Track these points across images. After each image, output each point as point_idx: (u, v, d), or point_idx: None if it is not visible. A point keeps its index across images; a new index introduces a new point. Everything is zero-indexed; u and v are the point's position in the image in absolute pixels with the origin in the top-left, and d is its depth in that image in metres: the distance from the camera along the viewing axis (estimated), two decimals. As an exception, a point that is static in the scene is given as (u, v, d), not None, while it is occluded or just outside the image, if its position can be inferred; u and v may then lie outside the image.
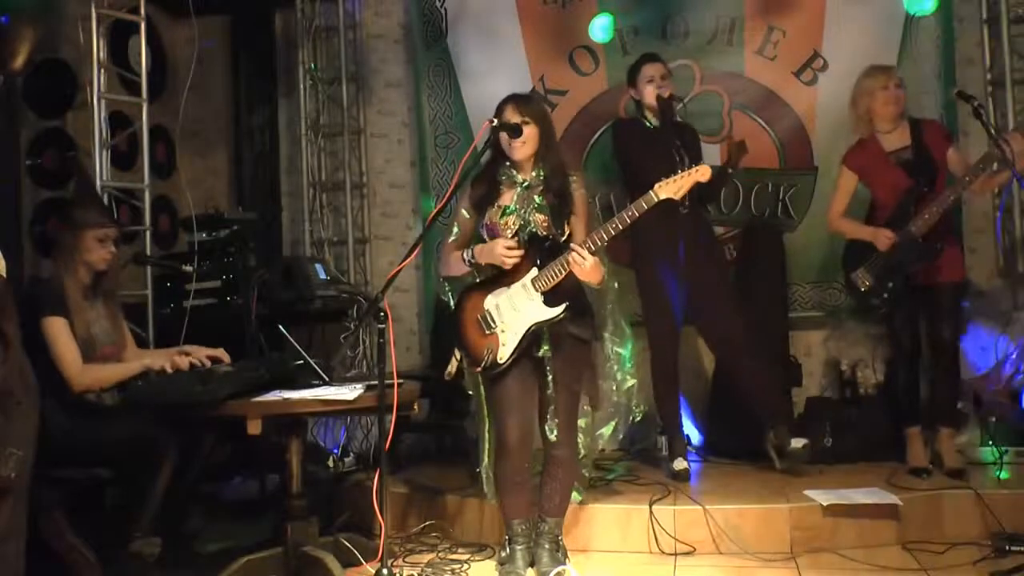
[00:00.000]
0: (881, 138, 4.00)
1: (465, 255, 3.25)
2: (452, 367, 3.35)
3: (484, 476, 3.58)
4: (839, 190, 4.13)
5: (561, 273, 3.10)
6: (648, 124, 4.17)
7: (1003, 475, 3.84)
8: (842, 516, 3.53)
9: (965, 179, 3.69)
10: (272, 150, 5.79)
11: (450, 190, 3.19)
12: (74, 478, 3.30)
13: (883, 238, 3.90)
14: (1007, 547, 3.31)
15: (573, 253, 3.03)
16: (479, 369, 3.26)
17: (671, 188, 3.04)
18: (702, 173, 3.05)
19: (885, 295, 3.94)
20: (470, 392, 3.53)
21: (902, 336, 4.01)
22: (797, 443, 4.02)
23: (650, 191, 3.05)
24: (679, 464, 4.13)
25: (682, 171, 3.05)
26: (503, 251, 3.15)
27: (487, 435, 3.52)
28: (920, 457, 4.00)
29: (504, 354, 3.17)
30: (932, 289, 3.90)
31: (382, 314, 2.92)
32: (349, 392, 3.10)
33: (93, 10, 4.44)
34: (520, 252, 3.15)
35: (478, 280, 3.32)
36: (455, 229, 3.36)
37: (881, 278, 3.93)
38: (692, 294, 4.10)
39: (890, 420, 4.22)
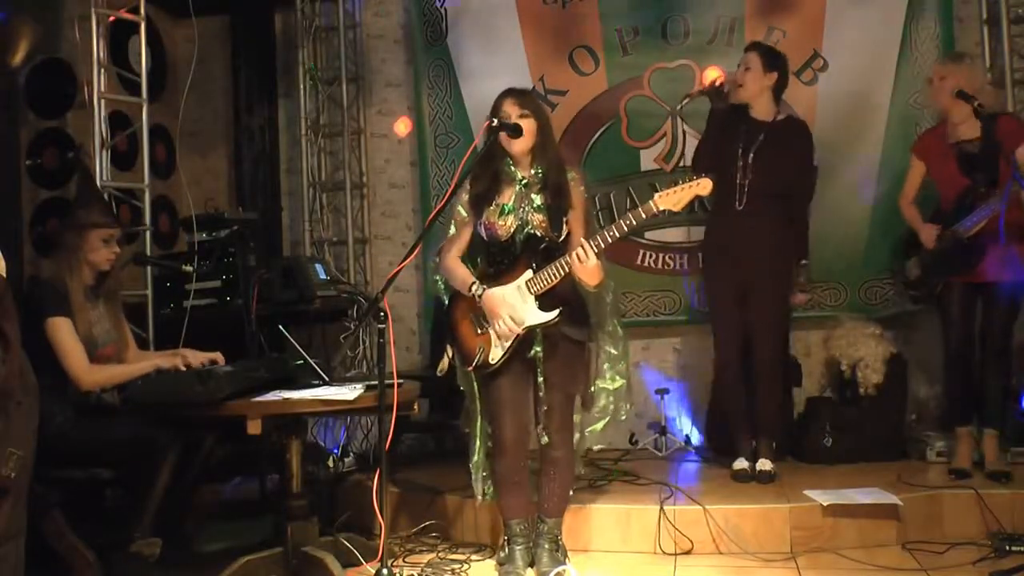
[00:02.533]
0: (951, 128, 3.93)
1: (475, 289, 3.19)
2: (444, 363, 3.35)
3: (474, 474, 3.57)
4: (908, 176, 4.13)
5: (557, 276, 3.09)
6: (734, 113, 4.10)
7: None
8: (842, 516, 3.53)
9: (1007, 195, 3.62)
10: (272, 150, 5.79)
11: (450, 190, 3.19)
12: (74, 478, 3.30)
13: (926, 234, 3.91)
14: (1007, 547, 3.31)
15: (578, 249, 3.02)
16: (470, 368, 3.27)
17: (670, 199, 3.04)
18: (703, 187, 3.03)
19: (925, 289, 3.97)
20: (461, 388, 3.52)
21: (953, 334, 3.95)
22: (765, 465, 4.03)
23: (650, 201, 3.05)
24: (739, 464, 4.08)
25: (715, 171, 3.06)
26: (505, 327, 3.12)
27: (478, 433, 3.51)
28: (966, 458, 3.94)
29: (495, 355, 3.18)
30: (987, 287, 3.85)
31: (382, 314, 2.92)
32: (349, 392, 3.10)
33: (93, 10, 4.44)
34: (514, 340, 3.15)
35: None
36: (452, 228, 3.36)
37: (926, 272, 3.95)
38: (748, 292, 4.07)
39: (943, 419, 4.23)
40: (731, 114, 4.09)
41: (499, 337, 3.18)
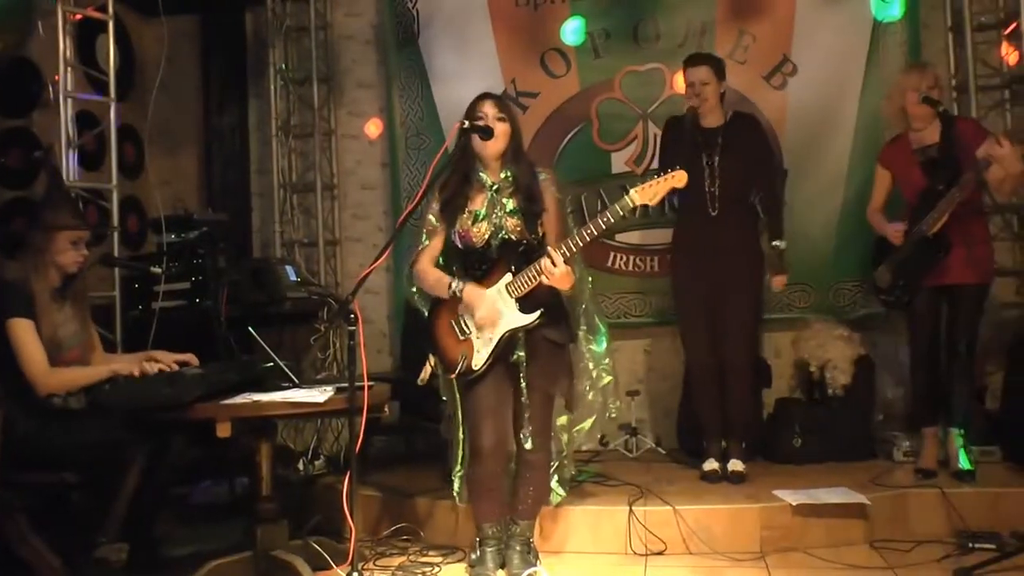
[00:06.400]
0: (913, 136, 4.00)
1: (454, 285, 3.17)
2: (426, 373, 3.33)
3: (457, 483, 3.57)
4: (875, 186, 4.17)
5: (535, 279, 3.09)
6: (688, 123, 4.08)
7: (966, 465, 3.88)
8: (811, 516, 3.56)
9: (962, 183, 3.71)
10: (242, 150, 5.75)
11: (420, 192, 3.17)
12: (39, 483, 3.25)
13: (893, 232, 3.96)
14: (970, 544, 3.37)
15: (546, 260, 3.02)
16: (453, 375, 3.25)
17: (647, 194, 3.04)
18: (678, 179, 3.05)
19: (897, 293, 4.01)
20: (444, 398, 3.51)
21: (919, 336, 4.01)
22: (736, 466, 4.06)
23: (625, 196, 3.06)
24: (709, 465, 4.11)
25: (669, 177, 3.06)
26: (485, 317, 3.12)
27: (461, 440, 3.51)
28: (931, 459, 3.99)
29: (479, 360, 3.16)
30: (951, 289, 3.90)
31: (352, 316, 2.90)
32: (319, 394, 3.08)
33: (59, 7, 4.39)
34: (498, 342, 3.14)
35: None
36: (424, 238, 3.32)
37: (895, 276, 4.00)
38: (720, 295, 4.08)
39: (909, 420, 4.30)
40: (684, 127, 4.07)
41: (483, 328, 3.15)
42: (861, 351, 4.54)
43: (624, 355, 5.13)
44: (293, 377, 3.34)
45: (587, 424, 3.60)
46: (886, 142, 4.27)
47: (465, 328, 3.20)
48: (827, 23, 4.86)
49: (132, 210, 5.33)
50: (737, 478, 4.01)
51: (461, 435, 3.49)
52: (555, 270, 3.00)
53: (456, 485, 3.57)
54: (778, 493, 3.68)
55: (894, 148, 4.12)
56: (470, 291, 3.15)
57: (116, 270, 4.47)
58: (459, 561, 3.55)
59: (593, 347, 3.52)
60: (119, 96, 4.69)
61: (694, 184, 3.91)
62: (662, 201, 3.11)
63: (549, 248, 3.06)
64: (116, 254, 4.48)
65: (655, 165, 4.93)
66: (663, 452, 4.80)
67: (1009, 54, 4.73)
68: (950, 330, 3.96)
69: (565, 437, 3.61)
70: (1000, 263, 4.39)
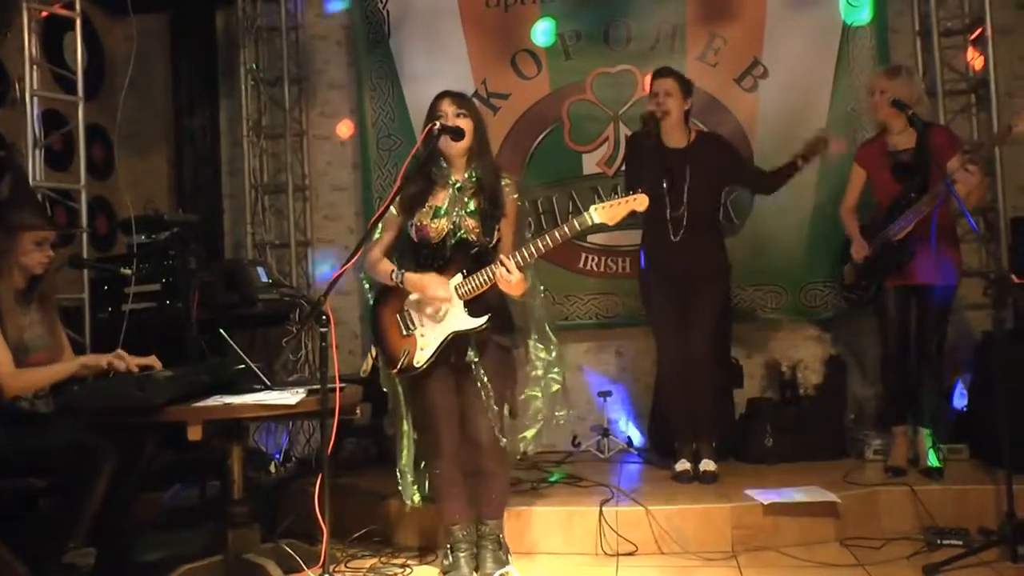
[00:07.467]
0: (889, 138, 4.04)
1: (395, 276, 3.18)
2: (367, 364, 3.32)
3: (401, 479, 3.52)
4: (849, 183, 4.21)
5: (486, 284, 3.09)
6: (652, 143, 4.07)
7: (935, 462, 3.93)
8: (782, 515, 3.59)
9: (931, 194, 3.76)
10: (213, 151, 5.71)
11: (392, 194, 3.16)
12: (6, 488, 3.20)
13: (856, 248, 4.04)
14: (939, 541, 3.41)
15: (500, 268, 3.03)
16: (395, 371, 3.24)
17: (607, 214, 3.03)
18: (639, 203, 3.04)
19: (859, 291, 4.08)
20: (384, 390, 3.48)
21: (889, 336, 4.07)
22: (708, 466, 4.08)
23: (585, 213, 3.05)
24: (681, 465, 4.12)
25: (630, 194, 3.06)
26: (436, 295, 3.12)
27: (405, 435, 3.47)
28: (901, 457, 4.05)
29: (421, 358, 3.16)
30: (919, 290, 3.95)
31: (324, 318, 2.88)
32: (291, 396, 3.07)
33: (24, 5, 4.33)
34: (449, 302, 3.14)
35: None
36: (380, 228, 3.30)
37: (859, 275, 4.06)
38: (687, 297, 4.11)
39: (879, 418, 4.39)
40: (648, 148, 4.05)
41: (433, 315, 3.14)
42: (832, 351, 4.58)
43: (596, 356, 5.16)
44: (265, 379, 3.33)
45: (531, 432, 3.57)
46: (864, 141, 4.33)
47: (410, 324, 3.20)
48: (797, 26, 4.91)
49: (101, 211, 5.28)
50: (709, 478, 4.03)
51: (405, 428, 3.46)
52: (510, 277, 3.01)
53: (402, 482, 3.51)
54: (750, 492, 3.70)
55: (871, 148, 4.17)
56: (410, 280, 3.15)
57: (85, 272, 4.42)
58: (430, 563, 3.55)
59: (544, 355, 3.50)
60: (87, 95, 4.64)
61: (655, 209, 3.92)
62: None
63: (501, 256, 3.06)
64: (85, 255, 4.43)
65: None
66: (635, 452, 4.82)
67: (975, 59, 4.81)
68: (919, 330, 4.02)
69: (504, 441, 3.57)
70: (967, 264, 4.47)
